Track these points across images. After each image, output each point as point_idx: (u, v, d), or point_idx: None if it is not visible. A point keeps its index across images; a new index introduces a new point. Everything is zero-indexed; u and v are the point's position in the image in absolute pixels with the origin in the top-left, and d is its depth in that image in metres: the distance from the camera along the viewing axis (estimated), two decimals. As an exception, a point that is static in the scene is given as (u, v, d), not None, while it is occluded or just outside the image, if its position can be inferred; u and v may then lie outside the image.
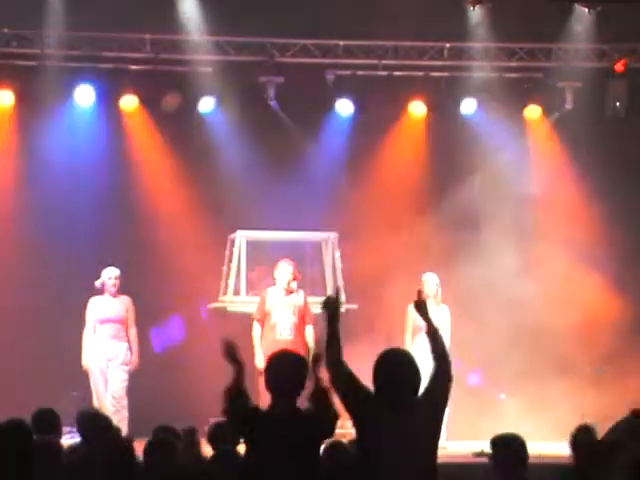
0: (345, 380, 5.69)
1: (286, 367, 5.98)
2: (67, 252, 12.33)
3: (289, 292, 11.57)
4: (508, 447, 6.32)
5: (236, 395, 5.77)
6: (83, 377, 11.55)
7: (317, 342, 10.98)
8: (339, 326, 5.75)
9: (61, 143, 13.07)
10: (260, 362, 10.95)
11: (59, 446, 7.02)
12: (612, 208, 13.15)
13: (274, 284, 11.68)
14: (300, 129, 13.48)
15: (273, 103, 13.31)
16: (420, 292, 6.41)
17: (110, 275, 11.58)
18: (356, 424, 5.73)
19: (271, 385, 5.91)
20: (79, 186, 12.84)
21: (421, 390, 5.71)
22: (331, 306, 5.84)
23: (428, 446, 5.70)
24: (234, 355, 5.90)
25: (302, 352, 9.14)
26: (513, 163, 13.45)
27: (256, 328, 11.34)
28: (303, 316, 11.51)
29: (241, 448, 6.52)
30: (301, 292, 11.67)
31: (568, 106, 13.65)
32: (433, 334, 5.95)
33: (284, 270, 11.62)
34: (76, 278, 11.86)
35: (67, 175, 12.87)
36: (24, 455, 6.16)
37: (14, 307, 12.42)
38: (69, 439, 7.62)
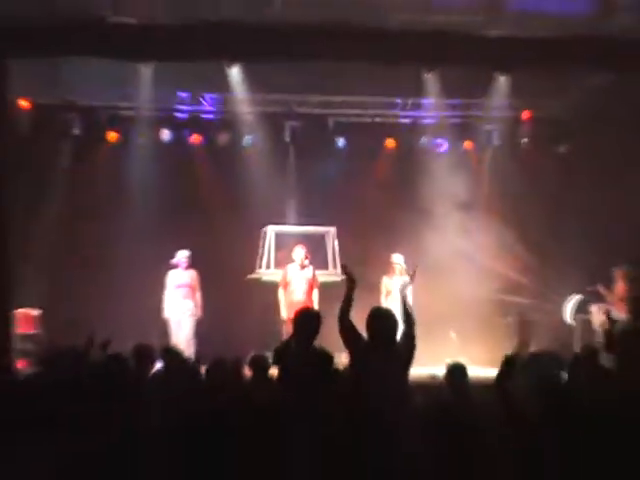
0: (349, 329, 5.71)
1: (306, 319, 5.99)
2: (154, 241, 12.31)
3: (302, 267, 11.69)
4: (455, 371, 6.30)
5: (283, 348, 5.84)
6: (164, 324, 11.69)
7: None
8: (354, 291, 5.79)
9: (150, 170, 13.03)
10: (284, 314, 11.08)
11: (146, 372, 7.07)
12: (524, 208, 13.17)
13: (293, 262, 11.71)
14: (311, 157, 13.48)
15: (288, 140, 13.33)
16: (414, 273, 6.38)
17: (182, 255, 11.76)
18: (352, 358, 5.75)
19: (296, 330, 5.92)
20: (161, 198, 12.90)
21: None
22: (349, 275, 5.89)
23: (401, 375, 5.72)
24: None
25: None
26: (454, 178, 13.40)
27: (281, 292, 11.52)
28: (312, 284, 11.59)
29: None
30: (311, 267, 11.79)
31: (496, 142, 13.69)
32: (405, 304, 5.98)
33: (299, 252, 11.77)
34: (160, 258, 11.82)
35: (154, 191, 12.90)
36: (121, 376, 6.18)
37: (121, 280, 12.46)
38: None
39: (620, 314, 10.73)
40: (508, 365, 5.02)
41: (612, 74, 11.65)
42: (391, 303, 10.75)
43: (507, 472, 4.23)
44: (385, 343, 5.66)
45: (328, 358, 5.91)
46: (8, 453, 4.13)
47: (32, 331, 11.64)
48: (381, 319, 5.77)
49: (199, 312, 11.78)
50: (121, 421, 5.24)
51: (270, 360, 6.46)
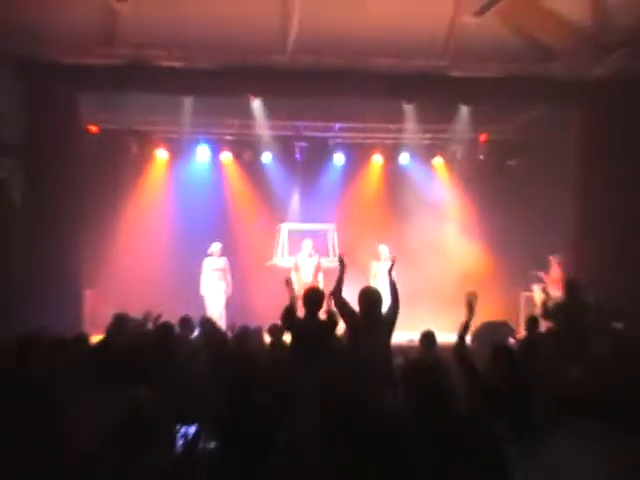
0: (343, 305, 5.73)
1: (312, 295, 6.01)
2: (194, 235, 12.34)
3: (310, 256, 11.67)
4: (427, 337, 6.35)
5: (289, 309, 5.82)
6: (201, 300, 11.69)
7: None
8: (345, 275, 5.83)
9: (191, 180, 13.15)
10: (295, 292, 11.06)
11: (188, 337, 7.14)
12: (481, 208, 13.21)
13: (301, 251, 11.77)
14: (315, 169, 13.44)
15: (298, 157, 13.30)
16: (394, 261, 6.45)
17: (216, 247, 11.80)
18: (348, 327, 5.76)
19: (305, 305, 5.93)
20: (200, 202, 12.86)
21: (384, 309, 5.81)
22: (342, 261, 5.95)
23: (386, 338, 5.74)
24: (290, 285, 6.00)
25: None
26: (428, 186, 13.46)
27: (293, 274, 11.43)
28: (317, 269, 11.62)
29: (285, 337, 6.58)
30: (316, 255, 11.81)
31: (460, 158, 13.71)
32: (392, 283, 6.03)
33: (307, 244, 11.79)
34: (199, 249, 11.86)
35: (194, 196, 12.92)
36: (169, 339, 6.23)
37: (170, 265, 12.48)
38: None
39: (556, 292, 10.79)
40: (461, 334, 5.08)
41: (549, 106, 11.73)
42: (378, 283, 10.76)
43: (462, 409, 4.27)
44: (373, 314, 5.70)
45: (333, 323, 5.95)
46: (87, 403, 4.20)
47: (101, 306, 11.71)
48: (370, 296, 5.82)
49: (229, 291, 11.81)
50: (169, 372, 5.34)
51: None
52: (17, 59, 9.59)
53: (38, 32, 9.38)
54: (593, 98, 10.66)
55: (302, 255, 11.78)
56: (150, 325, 7.11)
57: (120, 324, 7.26)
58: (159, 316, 7.13)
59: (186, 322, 7.48)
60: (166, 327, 6.51)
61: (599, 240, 10.43)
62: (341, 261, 6.05)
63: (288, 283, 6.18)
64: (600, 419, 3.55)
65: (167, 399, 3.97)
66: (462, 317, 10.81)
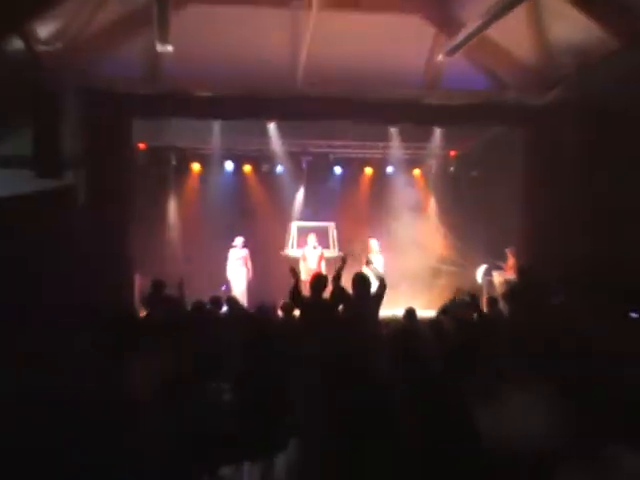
0: (341, 288, 5.73)
1: (318, 280, 6.01)
2: (221, 231, 12.32)
3: (314, 248, 11.65)
4: (410, 313, 6.35)
5: (294, 291, 5.81)
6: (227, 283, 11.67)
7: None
8: (344, 268, 5.81)
9: (219, 187, 13.07)
10: (303, 277, 11.05)
11: (217, 312, 7.11)
12: (451, 210, 13.16)
13: (307, 244, 11.72)
14: (318, 179, 13.38)
15: (304, 167, 13.21)
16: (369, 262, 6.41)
17: (239, 240, 11.79)
18: (344, 305, 5.77)
19: (311, 287, 5.93)
20: (226, 204, 12.75)
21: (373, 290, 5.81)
22: (344, 259, 5.93)
23: (375, 313, 5.75)
24: (294, 272, 5.96)
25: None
26: (409, 192, 13.41)
27: (301, 263, 11.48)
28: (320, 258, 11.55)
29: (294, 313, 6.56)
30: (319, 247, 11.78)
31: (434, 170, 13.68)
32: (376, 272, 6.03)
33: (311, 238, 11.77)
34: (225, 242, 11.85)
35: (222, 200, 12.81)
36: (202, 314, 6.22)
37: (203, 254, 12.41)
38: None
39: (511, 277, 10.79)
40: (444, 311, 5.10)
41: (504, 128, 11.73)
42: (367, 270, 10.75)
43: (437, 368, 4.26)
44: (363, 295, 5.72)
45: (333, 305, 5.94)
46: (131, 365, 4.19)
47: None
48: (360, 280, 5.83)
49: (250, 275, 11.83)
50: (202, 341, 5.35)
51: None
52: (82, 89, 9.63)
53: (98, 68, 9.49)
54: (538, 122, 10.66)
55: (308, 247, 11.78)
56: (179, 292, 7.09)
57: (157, 289, 7.27)
58: (181, 282, 7.13)
59: (216, 300, 7.51)
60: (199, 304, 6.53)
61: (544, 234, 10.43)
62: (343, 259, 6.10)
63: (292, 271, 6.19)
64: (545, 379, 3.54)
65: (201, 363, 3.98)
66: (436, 298, 10.70)
